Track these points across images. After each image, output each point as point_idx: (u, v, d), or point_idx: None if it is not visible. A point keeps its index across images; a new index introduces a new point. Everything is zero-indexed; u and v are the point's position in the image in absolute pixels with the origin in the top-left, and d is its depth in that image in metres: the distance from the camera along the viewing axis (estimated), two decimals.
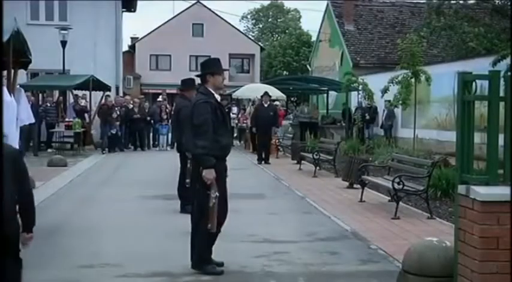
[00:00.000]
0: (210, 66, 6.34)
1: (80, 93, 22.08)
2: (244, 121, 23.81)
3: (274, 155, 19.78)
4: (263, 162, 17.71)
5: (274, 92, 23.68)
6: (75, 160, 17.69)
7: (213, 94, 6.16)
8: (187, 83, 9.37)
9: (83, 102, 21.96)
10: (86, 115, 21.65)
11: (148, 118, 22.71)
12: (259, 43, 57.98)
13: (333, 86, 26.67)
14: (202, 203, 5.91)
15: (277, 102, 24.31)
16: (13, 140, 6.98)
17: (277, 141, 20.63)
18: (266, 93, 19.24)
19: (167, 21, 52.34)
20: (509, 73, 12.32)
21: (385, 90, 17.72)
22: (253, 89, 24.11)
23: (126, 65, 37.06)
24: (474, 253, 4.51)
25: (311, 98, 34.36)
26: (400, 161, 11.04)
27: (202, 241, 6.02)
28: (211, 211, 5.82)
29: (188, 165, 8.00)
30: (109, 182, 13.42)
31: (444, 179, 10.69)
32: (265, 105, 18.74)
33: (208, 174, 5.85)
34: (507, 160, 4.68)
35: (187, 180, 7.98)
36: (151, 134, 23.68)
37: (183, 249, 6.21)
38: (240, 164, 17.44)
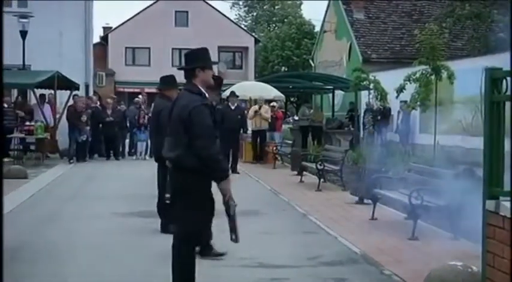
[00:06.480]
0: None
1: (45, 92, 22.02)
2: None
3: (271, 165, 19.76)
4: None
5: (271, 92, 23.70)
6: (38, 171, 17.65)
7: (205, 94, 5.87)
8: (167, 81, 9.36)
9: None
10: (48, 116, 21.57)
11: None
12: (254, 34, 58.12)
13: (340, 84, 26.73)
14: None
15: (274, 103, 24.34)
16: None
17: (274, 148, 20.64)
18: (233, 93, 19.32)
19: (146, 9, 52.41)
20: None
21: (400, 90, 17.74)
22: (246, 88, 24.07)
23: (97, 60, 37.07)
24: (505, 280, 4.50)
25: (314, 98, 34.41)
26: (418, 172, 11.05)
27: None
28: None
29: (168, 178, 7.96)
30: (77, 196, 13.38)
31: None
32: (232, 108, 18.81)
33: (226, 184, 5.86)
34: None
35: (167, 195, 7.94)
36: (127, 141, 23.64)
37: (162, 275, 6.17)
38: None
